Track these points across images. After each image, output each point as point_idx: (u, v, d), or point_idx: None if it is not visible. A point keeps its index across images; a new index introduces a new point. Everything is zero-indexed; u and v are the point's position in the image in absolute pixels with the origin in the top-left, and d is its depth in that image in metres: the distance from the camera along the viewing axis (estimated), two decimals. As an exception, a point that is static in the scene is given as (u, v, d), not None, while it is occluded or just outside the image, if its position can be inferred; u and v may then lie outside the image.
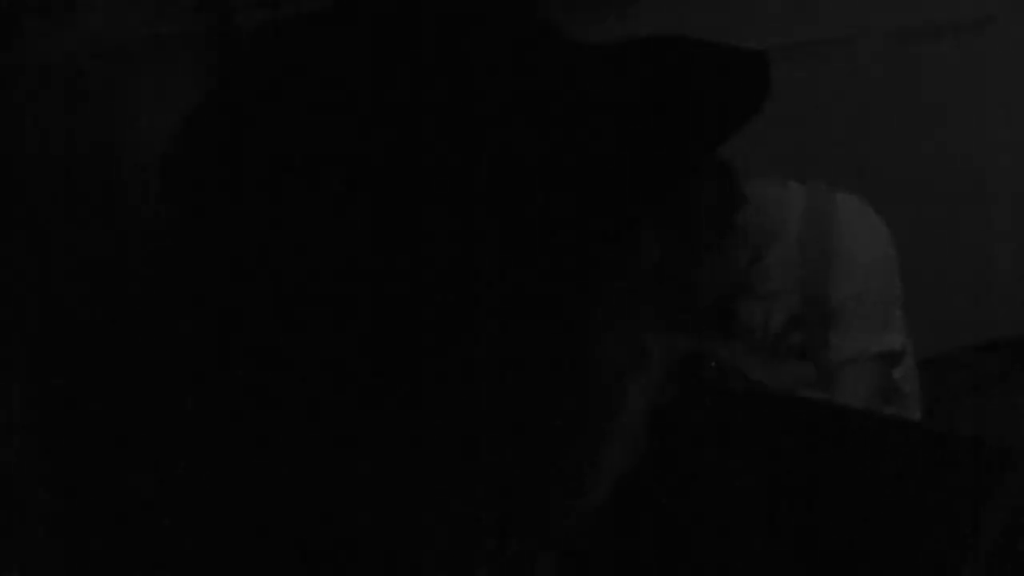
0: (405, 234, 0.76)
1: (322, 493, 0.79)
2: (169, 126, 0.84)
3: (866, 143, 4.80)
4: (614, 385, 0.88)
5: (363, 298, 0.76)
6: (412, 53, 0.78)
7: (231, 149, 0.79)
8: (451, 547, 0.82)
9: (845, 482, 2.68)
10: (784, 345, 3.09)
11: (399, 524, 0.80)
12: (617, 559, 2.93)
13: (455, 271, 0.76)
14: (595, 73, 0.81)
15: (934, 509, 2.54)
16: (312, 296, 0.76)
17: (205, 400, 0.79)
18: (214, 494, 0.80)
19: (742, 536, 2.77)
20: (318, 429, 0.78)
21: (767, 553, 2.74)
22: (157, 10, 3.47)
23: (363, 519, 0.80)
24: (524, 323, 0.78)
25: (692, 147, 0.82)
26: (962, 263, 5.01)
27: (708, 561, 2.83)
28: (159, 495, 0.83)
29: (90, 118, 2.70)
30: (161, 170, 0.83)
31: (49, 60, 2.71)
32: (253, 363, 0.78)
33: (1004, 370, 4.77)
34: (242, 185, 0.78)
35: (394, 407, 0.77)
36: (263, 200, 0.77)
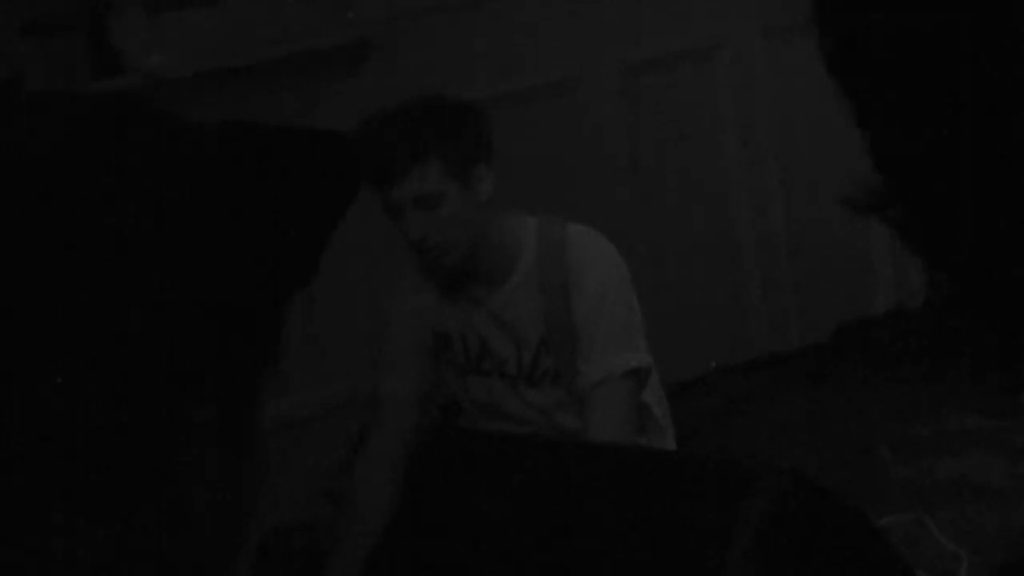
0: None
1: None
2: None
3: (611, 173, 4.89)
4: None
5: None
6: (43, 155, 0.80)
7: None
8: None
9: (598, 514, 2.73)
10: (539, 371, 3.21)
11: None
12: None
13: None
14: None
15: (684, 532, 2.59)
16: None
17: None
18: None
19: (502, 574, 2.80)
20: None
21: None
22: None
23: None
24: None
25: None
26: (711, 287, 5.12)
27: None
28: None
29: None
30: None
31: None
32: None
33: (754, 389, 4.88)
34: None
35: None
36: None
